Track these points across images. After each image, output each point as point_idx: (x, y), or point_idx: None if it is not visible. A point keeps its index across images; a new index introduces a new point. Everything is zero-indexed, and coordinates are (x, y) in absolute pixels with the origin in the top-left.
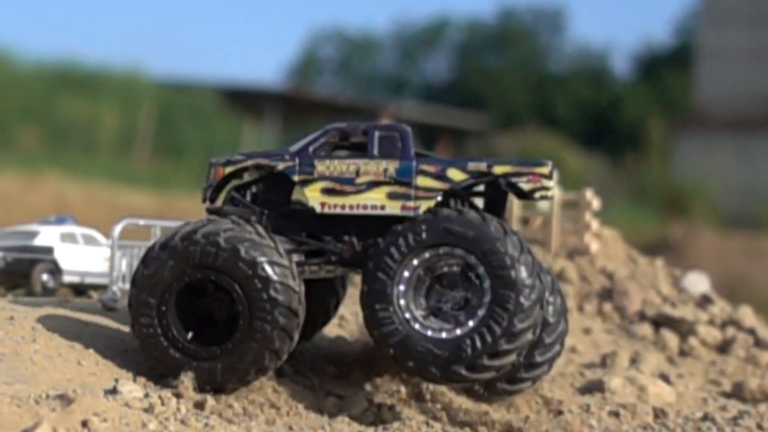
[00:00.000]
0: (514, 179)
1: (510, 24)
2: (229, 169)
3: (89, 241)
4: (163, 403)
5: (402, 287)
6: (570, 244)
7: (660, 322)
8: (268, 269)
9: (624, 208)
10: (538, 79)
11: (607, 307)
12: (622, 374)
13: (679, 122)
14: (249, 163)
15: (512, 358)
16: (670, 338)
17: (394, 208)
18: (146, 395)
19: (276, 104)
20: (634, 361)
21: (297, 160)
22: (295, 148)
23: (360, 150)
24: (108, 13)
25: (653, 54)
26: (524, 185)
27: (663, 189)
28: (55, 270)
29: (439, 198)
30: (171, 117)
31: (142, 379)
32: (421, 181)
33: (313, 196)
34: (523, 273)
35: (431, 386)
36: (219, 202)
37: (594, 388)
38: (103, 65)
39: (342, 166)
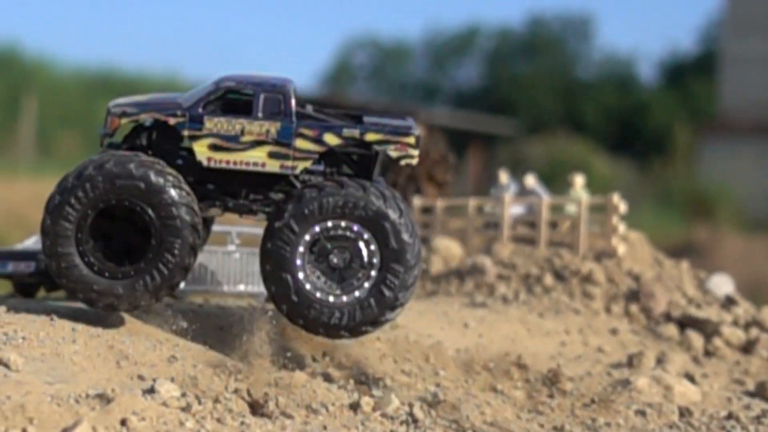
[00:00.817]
0: (383, 146)
1: (539, 32)
2: (124, 121)
3: None
4: (199, 403)
5: (301, 250)
6: (597, 246)
7: (685, 323)
8: (175, 192)
9: (650, 211)
10: (566, 85)
11: (634, 308)
12: (649, 374)
13: (704, 128)
14: (143, 116)
15: (404, 307)
16: (695, 339)
17: (273, 167)
18: (183, 395)
19: None
20: (660, 361)
21: (188, 116)
22: (187, 102)
23: (247, 106)
24: (146, 20)
25: (678, 61)
26: (392, 152)
27: (688, 193)
28: None
29: (315, 158)
30: None
31: (179, 379)
32: (300, 143)
33: (200, 151)
34: (405, 234)
35: (461, 387)
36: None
37: (621, 387)
38: (142, 71)
39: (228, 124)
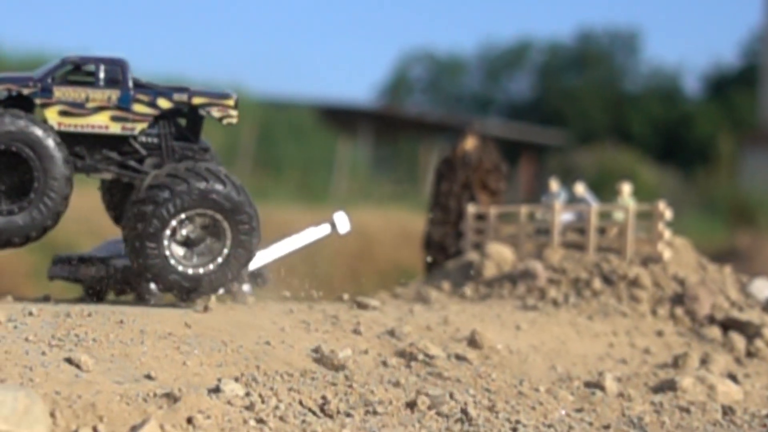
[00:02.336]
0: (208, 108)
1: (588, 46)
2: None
3: None
4: (263, 401)
5: (168, 233)
6: (644, 252)
7: (728, 325)
8: (53, 137)
9: (695, 218)
10: (614, 97)
11: (679, 311)
12: (693, 374)
13: (746, 138)
14: (1, 87)
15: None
16: (738, 340)
17: (116, 129)
18: (247, 394)
19: (369, 121)
20: (704, 361)
21: (39, 86)
22: (38, 75)
23: (90, 77)
24: (213, 36)
25: (722, 74)
26: (215, 113)
27: (731, 200)
28: None
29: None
30: (271, 133)
31: (243, 379)
32: (137, 107)
33: (51, 117)
34: (248, 208)
35: (521, 389)
36: None
37: (666, 387)
38: (207, 84)
39: (75, 92)
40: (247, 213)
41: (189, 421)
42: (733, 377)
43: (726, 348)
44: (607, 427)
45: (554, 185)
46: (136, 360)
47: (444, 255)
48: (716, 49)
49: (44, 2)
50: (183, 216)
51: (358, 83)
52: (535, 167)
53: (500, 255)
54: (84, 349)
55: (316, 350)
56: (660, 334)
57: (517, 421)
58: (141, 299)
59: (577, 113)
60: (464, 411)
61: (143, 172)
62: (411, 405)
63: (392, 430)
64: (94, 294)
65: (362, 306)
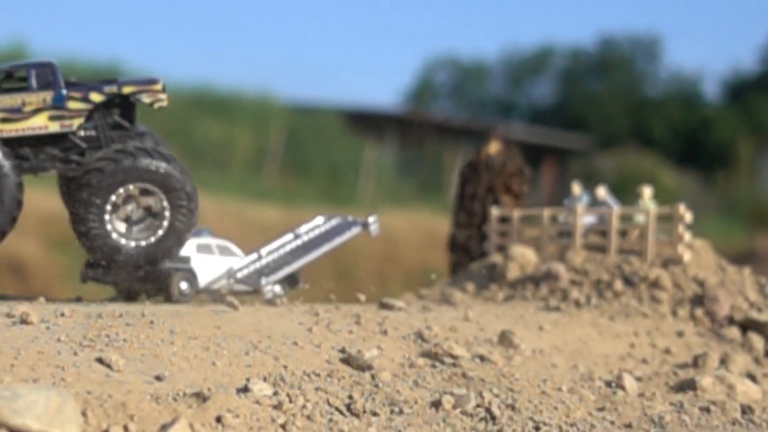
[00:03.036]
0: (138, 95)
1: (609, 52)
2: None
3: (224, 251)
4: (290, 401)
5: (109, 208)
6: (664, 254)
7: (747, 325)
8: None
9: (714, 221)
10: (635, 102)
11: (699, 312)
12: (713, 374)
13: (765, 142)
14: None
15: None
16: (756, 341)
17: (55, 127)
18: (275, 393)
19: (394, 126)
20: (723, 361)
21: None
22: None
23: (23, 83)
24: (242, 42)
25: (741, 79)
26: (146, 99)
27: (750, 203)
28: (192, 278)
29: (86, 114)
30: (299, 137)
31: (271, 378)
32: (72, 104)
33: None
34: (188, 187)
35: (543, 388)
36: None
37: (687, 386)
38: (237, 90)
39: (11, 99)
40: (184, 189)
41: (218, 420)
42: (751, 377)
43: (745, 348)
44: (628, 425)
45: (576, 189)
46: (167, 360)
47: (468, 257)
48: (735, 55)
49: (74, 10)
50: (120, 191)
51: (384, 89)
52: (558, 171)
53: (523, 257)
54: (115, 350)
55: (343, 350)
56: (680, 334)
57: (540, 420)
58: (171, 301)
59: (599, 118)
60: (488, 410)
61: (85, 164)
62: (436, 404)
63: (417, 429)
64: (127, 295)
65: (388, 307)
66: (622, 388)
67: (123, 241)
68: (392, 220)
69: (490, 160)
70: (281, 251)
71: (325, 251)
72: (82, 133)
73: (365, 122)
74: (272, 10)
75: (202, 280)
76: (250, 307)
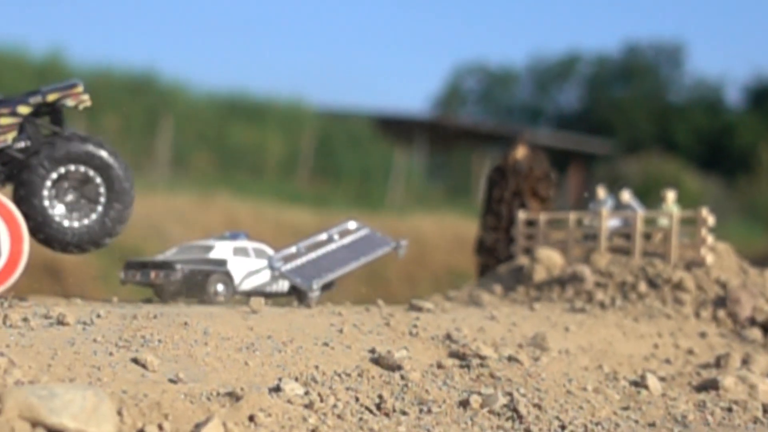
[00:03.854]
0: (62, 101)
1: (634, 59)
2: None
3: (260, 254)
4: (321, 400)
5: (47, 192)
6: (688, 256)
7: None
8: None
9: (736, 224)
10: (659, 108)
11: (721, 313)
12: (735, 374)
13: None
14: None
15: (119, 235)
16: None
17: None
18: (306, 393)
19: (424, 131)
20: (745, 361)
21: None
22: None
23: None
24: (274, 50)
25: (763, 85)
26: (71, 103)
27: None
28: (228, 281)
29: (18, 127)
30: (330, 142)
31: (303, 378)
32: (2, 120)
33: None
34: (125, 183)
35: (569, 388)
36: None
37: (709, 386)
38: (270, 96)
39: None
40: (117, 172)
41: (251, 419)
42: None
43: (766, 348)
44: (652, 424)
45: (601, 192)
46: (200, 360)
47: (496, 259)
48: (757, 62)
49: (111, 16)
50: (57, 173)
51: (413, 94)
52: (583, 175)
53: (550, 259)
54: (150, 350)
55: (373, 351)
56: (703, 335)
57: (566, 419)
58: (206, 302)
59: (624, 123)
60: (515, 409)
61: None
62: (464, 404)
63: (446, 427)
64: (164, 297)
65: (417, 308)
66: (646, 387)
67: (66, 222)
68: (421, 224)
69: (518, 165)
70: (320, 253)
71: (363, 263)
72: (17, 145)
73: (395, 127)
74: (304, 18)
75: (238, 283)
76: (281, 308)
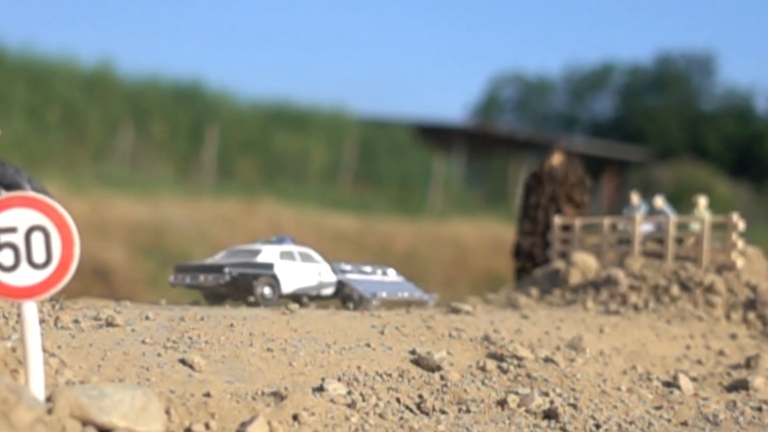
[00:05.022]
0: None
1: (667, 69)
2: None
3: (305, 258)
4: (363, 399)
5: None
6: (719, 260)
7: None
8: None
9: (766, 229)
10: (691, 116)
11: (751, 315)
12: (764, 374)
13: None
14: None
15: None
16: None
17: None
18: (349, 392)
19: (462, 139)
20: None
21: None
22: None
23: None
24: (317, 59)
25: None
26: None
27: None
28: (275, 284)
29: None
30: (371, 150)
31: (345, 378)
32: None
33: None
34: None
35: (604, 388)
36: None
37: (739, 386)
38: (313, 104)
39: None
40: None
41: (295, 417)
42: None
43: None
44: (684, 423)
45: (635, 198)
46: (246, 361)
47: (532, 263)
48: None
49: (158, 27)
50: None
51: (452, 103)
52: (617, 181)
53: (585, 263)
54: (197, 351)
55: (413, 352)
56: (733, 336)
57: (601, 418)
58: (252, 304)
59: (657, 131)
60: (551, 409)
61: None
62: (501, 403)
63: (484, 426)
64: (212, 300)
65: (456, 311)
66: (679, 387)
67: None
68: (460, 228)
69: (554, 172)
70: (369, 277)
71: (407, 298)
72: None
73: (434, 135)
74: (347, 29)
75: (285, 286)
76: (325, 310)
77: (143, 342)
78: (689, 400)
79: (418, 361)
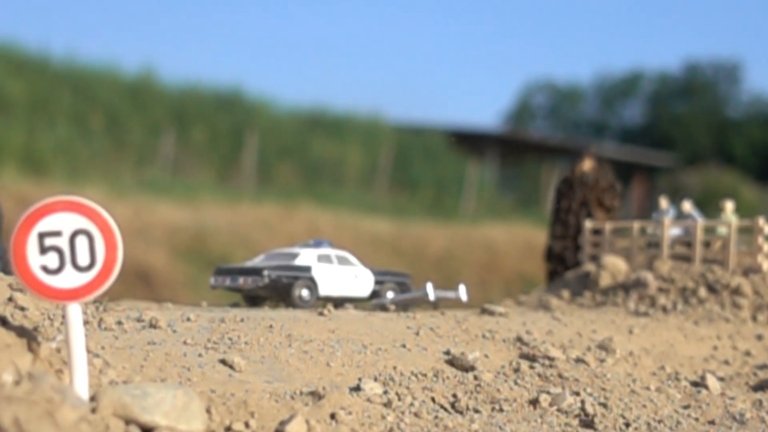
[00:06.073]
0: None
1: (694, 77)
2: None
3: (342, 261)
4: (399, 399)
5: None
6: (745, 263)
7: None
8: None
9: None
10: (718, 123)
11: None
12: None
13: None
14: None
15: None
16: None
17: None
18: (385, 392)
19: (495, 145)
20: None
21: None
22: None
23: None
24: (354, 67)
25: None
26: None
27: None
28: (313, 286)
29: None
30: (406, 155)
31: (381, 378)
32: None
33: None
34: None
35: (633, 387)
36: None
37: (765, 385)
38: (349, 111)
39: None
40: None
41: (332, 416)
42: None
43: None
44: (711, 422)
45: (663, 203)
46: (284, 361)
47: (564, 266)
48: None
49: (200, 36)
50: None
51: (485, 110)
52: (646, 186)
53: (615, 266)
54: (237, 351)
55: (448, 353)
56: (760, 337)
57: (630, 417)
58: (290, 306)
59: (684, 137)
60: (582, 408)
61: None
62: (534, 402)
63: (516, 425)
64: (252, 301)
65: (489, 313)
66: (706, 387)
67: None
68: (493, 232)
69: (584, 177)
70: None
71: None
72: None
73: (468, 141)
74: (383, 38)
75: (322, 288)
76: (361, 312)
77: (184, 343)
78: (716, 400)
79: (452, 362)
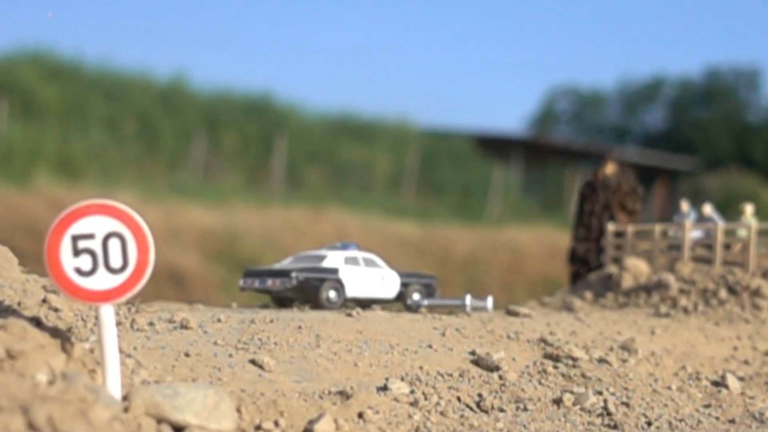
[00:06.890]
0: None
1: (715, 82)
2: None
3: (369, 263)
4: (425, 398)
5: None
6: (765, 265)
7: None
8: None
9: None
10: (738, 128)
11: None
12: None
13: None
14: None
15: None
16: None
17: None
18: (412, 391)
19: (520, 149)
20: None
21: None
22: None
23: None
24: (381, 73)
25: None
26: None
27: None
28: (340, 288)
29: None
30: (433, 160)
31: (408, 378)
32: None
33: None
34: None
35: (655, 387)
36: None
37: None
38: (377, 116)
39: None
40: None
41: (360, 415)
42: None
43: None
44: (732, 421)
45: (685, 206)
46: (313, 361)
47: (587, 268)
48: None
49: (230, 42)
50: None
51: (510, 115)
52: (668, 190)
53: (637, 268)
54: (266, 352)
55: (473, 353)
56: None
57: (652, 416)
58: (318, 308)
59: (705, 142)
60: (605, 407)
61: None
62: (557, 402)
63: (540, 424)
64: (280, 303)
65: (514, 314)
66: (726, 386)
67: None
68: (517, 235)
69: (607, 180)
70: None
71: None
72: None
73: (493, 146)
74: (410, 43)
75: (349, 290)
76: (388, 313)
77: (215, 343)
78: (737, 399)
79: (477, 362)
